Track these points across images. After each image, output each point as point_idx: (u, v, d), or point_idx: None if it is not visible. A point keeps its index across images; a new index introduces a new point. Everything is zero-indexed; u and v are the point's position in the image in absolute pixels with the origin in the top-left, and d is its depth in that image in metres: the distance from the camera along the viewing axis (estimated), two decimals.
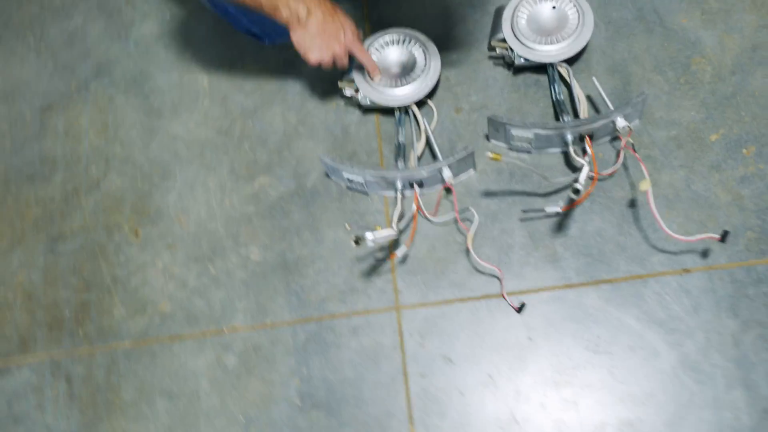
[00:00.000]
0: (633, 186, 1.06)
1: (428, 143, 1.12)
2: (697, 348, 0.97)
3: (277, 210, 1.14)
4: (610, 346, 0.99)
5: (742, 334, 0.97)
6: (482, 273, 1.05)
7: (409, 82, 1.11)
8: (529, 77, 1.16)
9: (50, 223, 1.21)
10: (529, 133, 1.04)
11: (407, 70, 1.13)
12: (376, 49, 1.15)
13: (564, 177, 1.08)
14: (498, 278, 1.04)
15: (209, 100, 1.23)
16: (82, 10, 1.36)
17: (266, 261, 1.11)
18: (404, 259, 1.07)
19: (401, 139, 1.12)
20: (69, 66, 1.31)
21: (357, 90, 1.13)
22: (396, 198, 1.06)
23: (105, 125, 1.25)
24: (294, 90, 1.22)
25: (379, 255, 1.09)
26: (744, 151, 1.07)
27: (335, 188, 1.14)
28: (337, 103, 1.19)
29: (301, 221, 1.13)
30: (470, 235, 1.04)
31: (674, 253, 1.02)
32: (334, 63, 1.05)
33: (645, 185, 0.96)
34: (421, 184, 1.07)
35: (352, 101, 1.18)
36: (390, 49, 1.15)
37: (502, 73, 1.17)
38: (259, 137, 1.19)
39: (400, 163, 1.09)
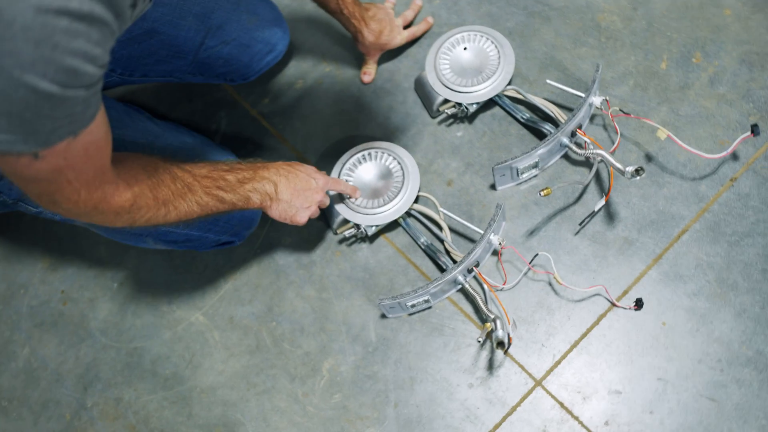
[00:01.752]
0: (638, 145, 1.22)
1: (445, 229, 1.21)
2: None
3: (363, 381, 1.16)
4: (729, 281, 1.11)
5: None
6: (585, 300, 1.14)
7: (397, 189, 1.19)
8: (485, 116, 1.30)
9: None
10: (534, 158, 1.15)
11: (387, 176, 1.21)
12: (353, 165, 1.23)
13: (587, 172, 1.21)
14: (600, 294, 1.13)
15: (218, 332, 1.22)
16: (26, 353, 1.30)
17: None
18: (507, 341, 1.12)
19: (423, 240, 1.19)
20: (52, 400, 1.24)
21: (357, 226, 1.18)
22: (469, 290, 1.14)
23: (131, 427, 1.19)
24: (292, 267, 1.25)
25: (484, 352, 1.14)
26: (693, 60, 1.25)
27: (400, 324, 1.18)
28: (341, 251, 1.24)
29: (392, 376, 1.16)
30: (555, 273, 1.13)
31: (712, 173, 1.17)
32: (320, 209, 1.13)
33: (662, 133, 1.09)
34: (477, 264, 1.13)
35: (356, 239, 1.24)
36: (363, 167, 1.23)
37: (461, 127, 1.29)
38: (292, 330, 1.21)
39: (443, 259, 1.16)
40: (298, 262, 1.26)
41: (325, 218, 1.26)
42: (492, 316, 1.07)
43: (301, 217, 1.10)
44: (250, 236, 1.26)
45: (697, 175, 1.19)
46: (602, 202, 1.15)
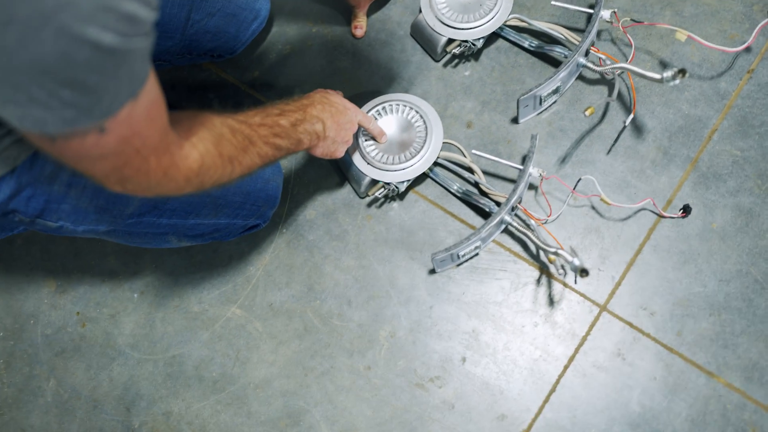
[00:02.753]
0: (651, 54, 1.20)
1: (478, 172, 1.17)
2: None
3: (424, 341, 1.13)
4: (767, 172, 1.12)
5: None
6: (632, 216, 1.13)
7: (422, 139, 1.14)
8: (490, 51, 1.25)
9: None
10: (556, 83, 1.12)
11: (407, 128, 1.16)
12: (378, 115, 1.18)
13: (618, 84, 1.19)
14: (646, 208, 1.12)
15: (260, 322, 1.16)
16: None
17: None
18: (571, 265, 1.11)
19: (457, 188, 1.15)
20: (95, 428, 1.16)
21: (386, 185, 1.13)
22: (517, 227, 1.11)
23: None
24: (324, 240, 1.19)
25: (542, 288, 1.12)
26: None
27: (450, 276, 1.14)
28: (371, 215, 1.19)
29: (454, 331, 1.12)
30: (601, 195, 1.10)
31: (729, 69, 1.17)
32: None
33: (681, 35, 1.08)
34: (520, 201, 1.10)
35: (386, 198, 1.19)
36: (381, 122, 1.18)
37: (467, 66, 1.25)
38: (339, 305, 1.16)
39: (483, 202, 1.12)
40: (329, 234, 1.20)
41: (347, 182, 1.21)
42: (552, 249, 1.04)
43: (341, 151, 1.08)
44: (273, 217, 1.19)
45: (715, 73, 1.18)
46: (630, 116, 1.13)
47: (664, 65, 1.20)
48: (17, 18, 0.51)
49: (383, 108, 1.18)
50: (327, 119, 1.01)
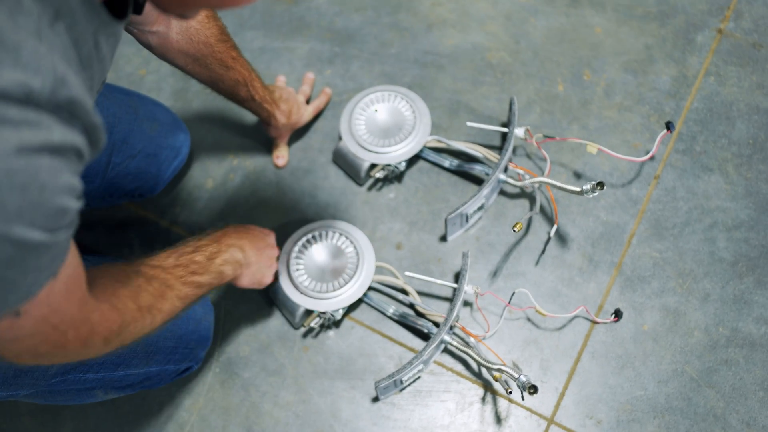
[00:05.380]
0: (564, 166, 1.27)
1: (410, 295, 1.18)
2: None
3: None
4: (686, 270, 1.18)
5: None
6: (567, 325, 1.15)
7: (354, 264, 1.15)
8: (412, 172, 1.29)
9: None
10: (480, 200, 1.16)
11: (338, 254, 1.16)
12: (299, 253, 1.16)
13: (536, 205, 1.24)
14: (580, 316, 1.15)
15: None
16: None
17: None
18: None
19: (393, 311, 1.16)
20: None
21: (322, 314, 1.12)
22: (457, 347, 1.09)
23: None
24: (260, 377, 1.15)
25: (488, 406, 1.11)
26: (584, 77, 1.34)
27: (394, 403, 1.12)
28: (307, 345, 1.16)
29: None
30: (536, 306, 1.12)
31: (638, 176, 1.25)
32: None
33: (592, 148, 1.15)
34: (457, 319, 1.11)
35: (322, 327, 1.17)
36: (312, 250, 1.17)
37: (391, 189, 1.28)
38: None
39: (420, 323, 1.13)
40: (265, 369, 1.15)
41: (281, 313, 1.19)
42: (496, 367, 1.05)
43: (269, 277, 1.07)
44: (205, 357, 1.13)
45: (625, 180, 1.26)
46: (554, 227, 1.18)
47: (578, 176, 1.27)
48: None
49: (312, 236, 1.18)
50: (245, 245, 1.01)
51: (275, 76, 1.36)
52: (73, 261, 0.62)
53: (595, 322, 1.15)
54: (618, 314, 1.15)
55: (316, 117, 1.34)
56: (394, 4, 1.44)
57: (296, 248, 1.17)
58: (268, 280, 1.07)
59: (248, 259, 1.01)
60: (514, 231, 1.08)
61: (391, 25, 1.41)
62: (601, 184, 1.05)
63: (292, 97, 1.25)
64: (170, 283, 0.84)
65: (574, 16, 1.41)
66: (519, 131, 1.22)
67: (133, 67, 1.40)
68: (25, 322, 0.58)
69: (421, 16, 1.43)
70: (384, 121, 1.27)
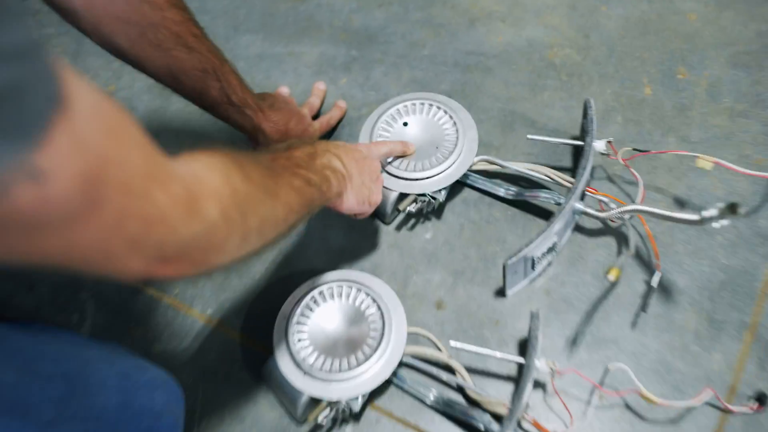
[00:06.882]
0: (661, 191, 0.94)
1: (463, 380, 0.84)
2: None
3: None
4: None
5: None
6: (686, 416, 0.79)
7: (378, 334, 0.82)
8: (455, 205, 0.97)
9: None
10: (551, 238, 0.84)
11: (358, 319, 0.84)
12: (302, 316, 0.84)
13: (632, 242, 0.91)
14: (709, 403, 0.78)
15: None
16: None
17: None
18: None
19: (434, 397, 0.82)
20: None
21: (334, 403, 0.80)
22: None
23: None
24: None
25: None
26: (678, 76, 1.02)
27: None
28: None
29: None
30: (641, 389, 0.77)
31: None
32: None
33: (705, 162, 0.83)
34: (526, 408, 0.78)
35: (336, 422, 0.84)
36: (318, 313, 0.84)
37: (428, 227, 0.96)
38: None
39: (476, 413, 0.79)
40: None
41: (278, 402, 0.86)
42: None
43: (377, 195, 0.83)
44: None
45: (749, 207, 0.91)
46: (657, 274, 0.84)
47: (681, 203, 0.94)
48: None
49: (320, 293, 0.86)
50: (341, 154, 0.77)
51: (276, 89, 1.08)
52: (93, 93, 0.38)
53: (727, 411, 0.80)
54: (762, 400, 0.80)
55: (328, 135, 1.05)
56: None
57: (298, 310, 0.85)
58: (377, 197, 0.83)
59: (349, 169, 0.77)
60: (608, 281, 0.76)
61: (423, 22, 1.13)
62: (733, 208, 0.72)
63: (288, 106, 0.96)
64: (277, 170, 0.63)
65: (658, 2, 1.10)
66: (599, 144, 0.91)
67: (101, 82, 1.13)
68: (57, 184, 0.34)
69: (460, 9, 1.14)
70: (416, 138, 0.96)
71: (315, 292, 0.86)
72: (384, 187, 0.91)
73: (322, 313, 0.85)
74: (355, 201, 0.78)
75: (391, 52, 1.11)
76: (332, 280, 0.88)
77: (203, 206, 0.47)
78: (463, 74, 1.07)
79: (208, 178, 0.49)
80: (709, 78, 1.02)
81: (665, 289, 0.88)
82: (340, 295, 0.86)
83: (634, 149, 0.91)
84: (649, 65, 1.05)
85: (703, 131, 0.98)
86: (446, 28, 1.12)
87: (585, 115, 0.93)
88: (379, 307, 0.85)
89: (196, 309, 0.93)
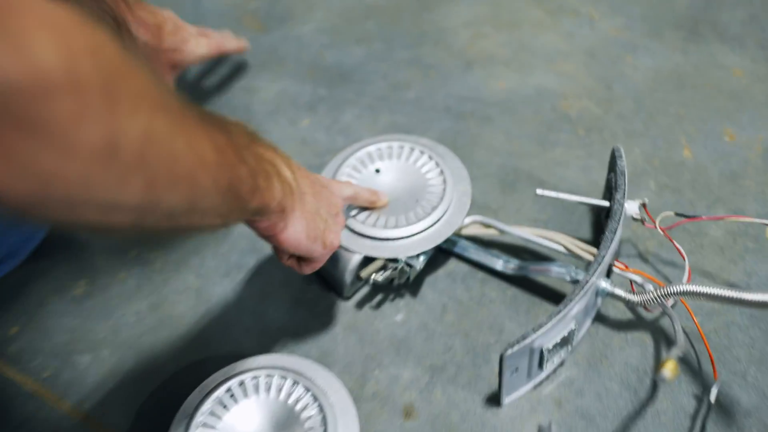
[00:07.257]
0: (708, 274, 0.71)
1: None
2: None
3: None
4: None
5: None
6: None
7: None
8: (437, 279, 0.73)
9: None
10: (569, 324, 0.60)
11: (289, 424, 0.59)
12: (212, 416, 0.59)
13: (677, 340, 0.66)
14: None
15: None
16: None
17: None
18: None
19: None
20: None
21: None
22: None
23: None
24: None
25: None
26: (726, 138, 0.82)
27: None
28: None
29: None
30: None
31: None
32: None
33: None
34: None
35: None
36: (235, 412, 0.59)
37: (399, 306, 0.71)
38: None
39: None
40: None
41: None
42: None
43: (335, 236, 0.62)
44: None
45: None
46: (715, 386, 0.61)
47: (730, 284, 0.72)
48: None
49: (240, 383, 0.61)
50: (292, 166, 0.59)
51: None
52: None
53: None
54: None
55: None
56: (415, 35, 0.97)
57: (206, 407, 0.59)
58: (334, 239, 0.62)
59: (300, 185, 0.58)
60: (661, 380, 0.51)
61: (409, 62, 0.94)
62: None
63: (168, 15, 0.82)
64: (194, 112, 0.42)
65: (695, 54, 0.92)
66: (631, 206, 0.70)
67: None
68: None
69: (454, 50, 0.95)
70: (391, 188, 0.74)
71: (233, 383, 0.61)
72: (342, 246, 0.69)
73: (239, 413, 0.60)
74: (304, 233, 0.56)
75: (367, 93, 0.91)
76: (260, 366, 0.63)
77: (32, 36, 0.28)
78: (455, 122, 0.87)
79: (60, 14, 0.30)
80: (764, 142, 0.83)
81: (724, 409, 0.63)
82: (269, 388, 0.61)
83: (678, 214, 0.69)
84: (687, 124, 0.85)
85: (761, 204, 0.77)
86: (437, 70, 0.93)
87: (612, 167, 0.71)
88: (321, 409, 0.60)
89: (68, 401, 0.67)
